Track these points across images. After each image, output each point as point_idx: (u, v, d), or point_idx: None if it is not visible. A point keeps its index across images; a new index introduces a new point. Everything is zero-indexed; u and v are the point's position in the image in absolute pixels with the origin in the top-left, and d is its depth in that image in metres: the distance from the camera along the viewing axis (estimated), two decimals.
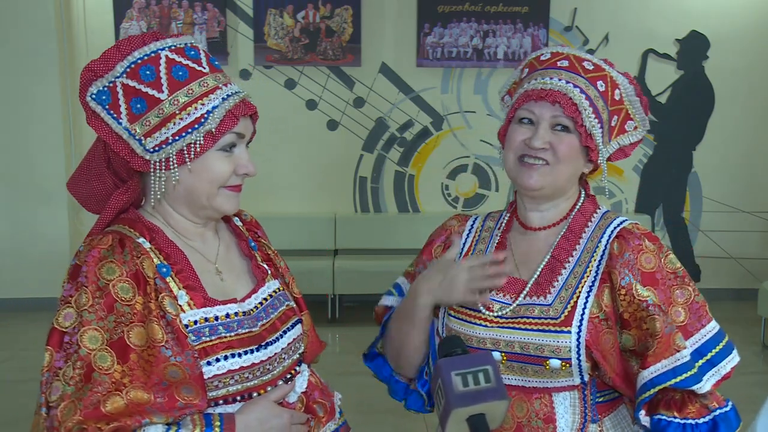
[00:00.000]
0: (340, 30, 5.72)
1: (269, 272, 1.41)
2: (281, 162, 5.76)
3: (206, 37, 5.65)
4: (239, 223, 1.46)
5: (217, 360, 1.22)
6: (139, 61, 1.22)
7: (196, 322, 1.23)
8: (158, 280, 1.22)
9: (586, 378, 1.33)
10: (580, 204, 1.44)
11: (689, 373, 1.27)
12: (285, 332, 1.36)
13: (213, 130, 1.22)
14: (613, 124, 1.42)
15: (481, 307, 1.39)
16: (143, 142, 1.22)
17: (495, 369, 1.06)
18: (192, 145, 1.22)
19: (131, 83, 1.22)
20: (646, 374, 1.28)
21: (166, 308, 1.20)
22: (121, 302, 1.17)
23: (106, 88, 1.23)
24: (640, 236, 1.35)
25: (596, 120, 1.36)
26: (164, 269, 1.24)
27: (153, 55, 1.23)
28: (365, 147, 5.92)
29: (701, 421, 1.28)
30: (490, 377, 1.04)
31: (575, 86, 1.36)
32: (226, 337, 1.25)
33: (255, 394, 1.29)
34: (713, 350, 1.33)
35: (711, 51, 5.86)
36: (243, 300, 1.32)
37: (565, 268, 1.37)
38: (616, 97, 1.41)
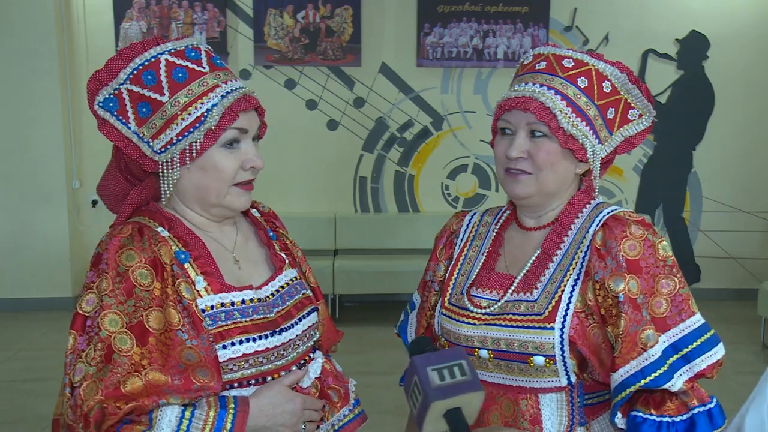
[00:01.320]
0: (340, 30, 5.72)
1: (287, 261, 1.45)
2: (281, 162, 5.76)
3: (206, 37, 5.65)
4: (257, 214, 1.49)
5: (233, 344, 1.26)
6: (141, 67, 1.27)
7: (212, 307, 1.27)
8: (175, 266, 1.27)
9: (573, 379, 1.31)
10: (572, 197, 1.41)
11: (659, 371, 1.23)
12: (300, 319, 1.39)
13: (213, 127, 1.26)
14: (610, 116, 1.37)
15: (469, 305, 1.39)
16: (151, 144, 1.27)
17: (468, 363, 1.06)
18: (194, 144, 1.26)
19: (135, 89, 1.27)
20: (616, 377, 1.24)
21: (182, 293, 1.24)
22: (140, 287, 1.22)
23: (112, 96, 1.28)
24: (627, 222, 1.30)
25: (578, 118, 1.32)
26: (182, 255, 1.28)
27: (153, 60, 1.27)
28: (365, 147, 5.93)
29: (678, 419, 1.23)
30: (465, 370, 1.05)
31: (549, 88, 1.32)
32: (241, 322, 1.29)
33: (269, 378, 1.33)
34: (691, 345, 1.26)
35: (711, 51, 5.86)
36: (260, 287, 1.36)
37: (552, 262, 1.34)
38: (606, 89, 1.35)
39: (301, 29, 5.71)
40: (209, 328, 1.25)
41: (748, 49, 5.85)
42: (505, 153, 1.35)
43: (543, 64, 1.36)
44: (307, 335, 1.41)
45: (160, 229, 1.30)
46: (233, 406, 1.23)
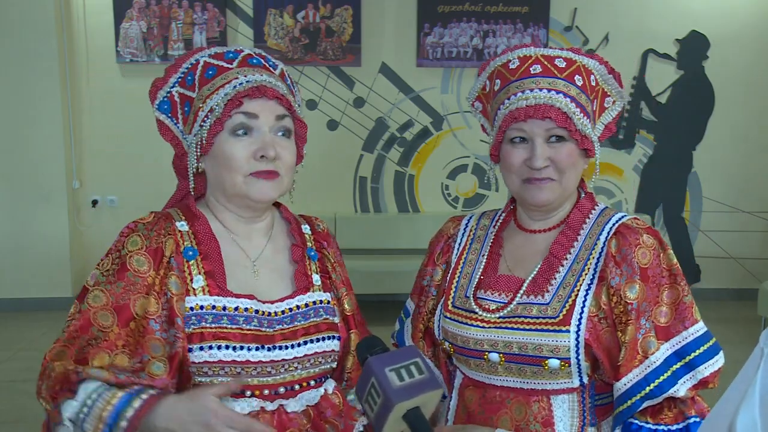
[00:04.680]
0: (340, 30, 5.72)
1: (318, 284, 1.40)
2: None
3: (206, 37, 5.65)
4: (308, 231, 1.46)
5: (210, 347, 1.24)
6: (185, 71, 1.36)
7: (202, 307, 1.27)
8: (173, 260, 1.28)
9: (585, 380, 1.31)
10: (578, 202, 1.42)
11: (662, 377, 1.24)
12: (306, 342, 1.33)
13: (218, 114, 1.28)
14: (594, 108, 1.39)
15: (476, 308, 1.37)
16: (187, 138, 1.35)
17: (424, 360, 1.05)
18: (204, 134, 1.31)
19: (182, 90, 1.35)
20: (620, 386, 1.25)
21: (168, 286, 1.26)
22: (133, 272, 1.25)
23: (165, 98, 1.37)
24: (638, 231, 1.32)
25: (585, 117, 1.33)
26: (190, 252, 1.30)
27: (194, 62, 1.35)
28: (365, 147, 5.92)
29: (674, 427, 1.24)
30: (422, 369, 1.03)
31: (558, 92, 1.31)
32: (226, 328, 1.26)
33: (248, 393, 1.28)
34: (695, 352, 1.27)
35: (711, 51, 5.86)
36: (273, 302, 1.32)
37: (562, 266, 1.34)
38: (593, 83, 1.37)
39: (301, 29, 5.71)
40: (193, 326, 1.24)
41: (748, 49, 5.85)
42: (526, 163, 1.33)
43: (538, 68, 1.34)
44: (312, 361, 1.34)
45: (180, 223, 1.33)
46: (145, 396, 1.14)
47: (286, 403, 1.31)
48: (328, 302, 1.40)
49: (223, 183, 1.31)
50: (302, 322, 1.34)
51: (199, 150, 1.31)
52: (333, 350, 1.37)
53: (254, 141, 1.29)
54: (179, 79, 1.36)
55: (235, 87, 1.29)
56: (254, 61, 1.34)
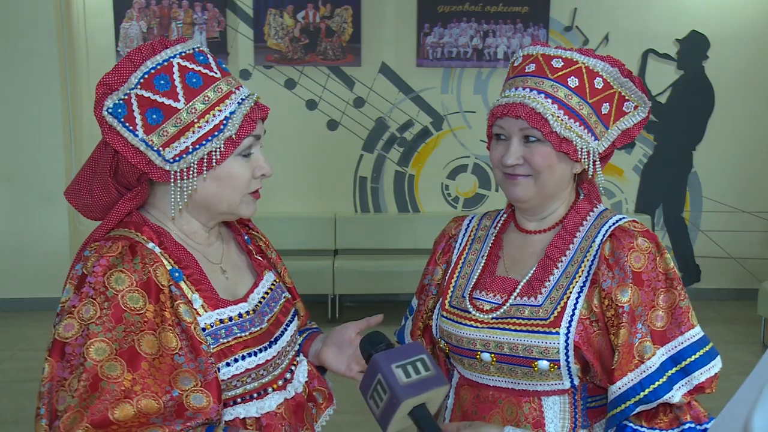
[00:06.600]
0: (340, 30, 5.72)
1: (265, 265, 1.43)
2: (281, 162, 5.74)
3: (206, 37, 5.65)
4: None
5: (235, 360, 1.23)
6: (153, 71, 1.20)
7: (212, 325, 1.23)
8: (173, 287, 1.20)
9: (576, 382, 1.31)
10: (576, 204, 1.41)
11: (657, 383, 1.23)
12: (287, 325, 1.38)
13: (233, 135, 1.22)
14: (604, 111, 1.35)
15: (470, 308, 1.38)
16: (162, 152, 1.20)
17: (429, 357, 1.05)
18: (213, 153, 1.21)
19: (146, 94, 1.19)
20: (614, 389, 1.25)
21: (181, 316, 1.18)
22: (130, 312, 1.14)
23: (121, 101, 1.21)
24: (633, 234, 1.30)
25: (571, 119, 1.31)
26: (176, 274, 1.22)
27: (165, 63, 1.21)
28: (365, 147, 5.92)
29: None
30: (428, 365, 1.03)
31: (540, 92, 1.31)
32: (241, 336, 1.25)
33: (270, 390, 1.30)
34: (691, 357, 1.26)
35: (711, 51, 5.86)
36: (246, 296, 1.33)
37: (557, 268, 1.34)
38: (598, 86, 1.34)
39: (301, 29, 5.71)
40: (212, 346, 1.20)
41: (748, 49, 5.85)
42: (501, 159, 1.35)
43: (533, 66, 1.35)
44: (294, 340, 1.39)
45: (151, 245, 1.22)
46: None
47: (295, 386, 1.36)
48: (277, 281, 1.43)
49: (221, 202, 1.27)
50: (277, 307, 1.37)
51: (204, 168, 1.21)
52: (299, 324, 1.44)
53: (253, 160, 1.28)
54: (141, 80, 1.20)
55: (240, 104, 1.23)
56: (223, 65, 1.29)
